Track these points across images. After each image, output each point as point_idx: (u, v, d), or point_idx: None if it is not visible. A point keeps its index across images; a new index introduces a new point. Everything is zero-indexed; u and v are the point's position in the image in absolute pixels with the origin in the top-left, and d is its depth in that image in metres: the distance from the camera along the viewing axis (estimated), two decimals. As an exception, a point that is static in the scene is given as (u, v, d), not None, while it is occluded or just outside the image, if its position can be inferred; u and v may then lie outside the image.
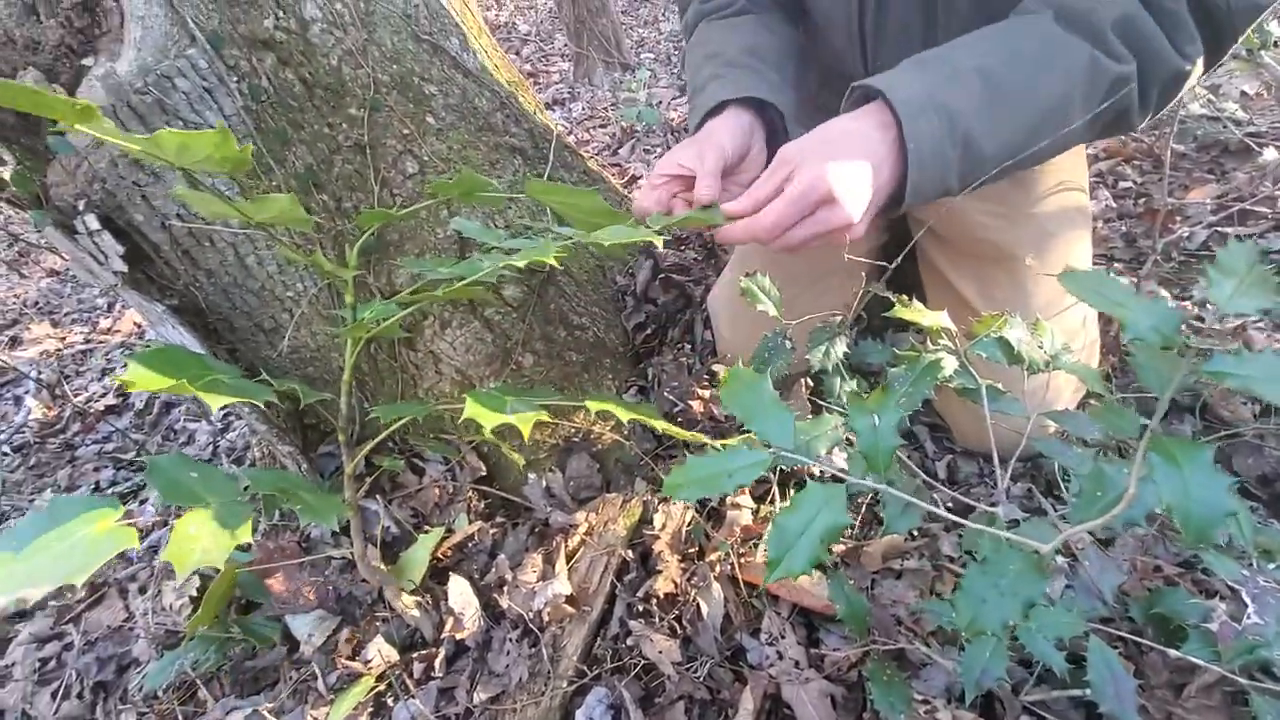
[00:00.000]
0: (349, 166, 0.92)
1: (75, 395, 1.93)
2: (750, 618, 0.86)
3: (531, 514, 1.05)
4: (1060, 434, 0.82)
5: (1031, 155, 0.64)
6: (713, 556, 0.90)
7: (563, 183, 1.11)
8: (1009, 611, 0.48)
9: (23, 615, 1.17)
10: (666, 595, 0.87)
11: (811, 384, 1.03)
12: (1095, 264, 1.18)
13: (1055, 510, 0.89)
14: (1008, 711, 0.69)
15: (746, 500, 0.96)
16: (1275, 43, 1.51)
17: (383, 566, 0.92)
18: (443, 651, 0.90)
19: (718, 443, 0.69)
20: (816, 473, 0.91)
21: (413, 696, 0.87)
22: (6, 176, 0.79)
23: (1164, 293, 1.20)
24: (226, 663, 0.97)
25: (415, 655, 0.91)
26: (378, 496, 1.03)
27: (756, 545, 0.91)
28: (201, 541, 0.54)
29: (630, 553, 0.93)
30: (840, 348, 0.81)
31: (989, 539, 0.51)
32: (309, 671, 0.93)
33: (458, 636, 0.90)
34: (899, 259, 0.80)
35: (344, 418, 0.80)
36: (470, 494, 1.06)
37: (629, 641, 0.85)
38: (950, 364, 0.67)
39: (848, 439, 0.68)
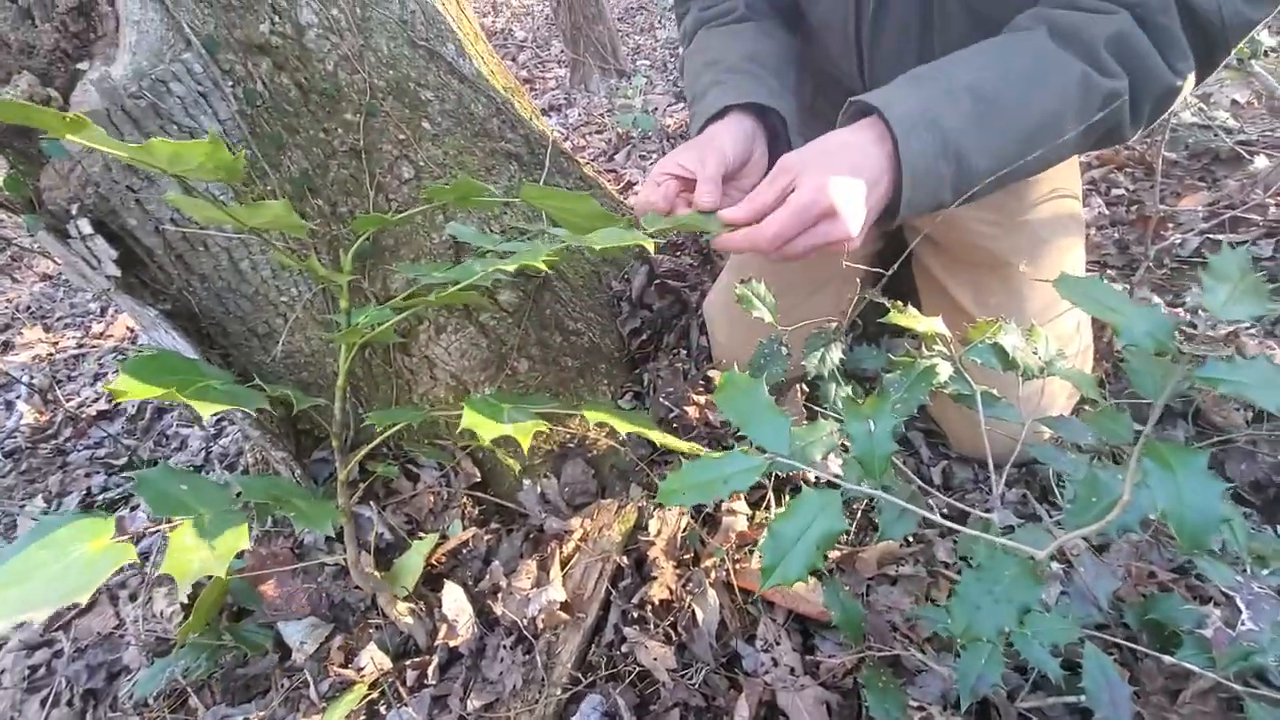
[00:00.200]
0: (344, 171, 0.92)
1: (67, 400, 1.92)
2: (745, 624, 0.86)
3: (526, 520, 1.04)
4: (1055, 440, 0.82)
5: (1025, 168, 0.65)
6: (708, 563, 0.90)
7: (558, 188, 1.11)
8: (1004, 618, 0.48)
9: (11, 622, 1.16)
10: (662, 602, 0.87)
11: (807, 390, 1.03)
12: (1088, 270, 1.19)
13: (1050, 516, 0.89)
14: (1003, 718, 0.69)
15: (742, 506, 0.96)
16: (1265, 52, 1.53)
17: (376, 573, 0.92)
18: (436, 659, 0.89)
19: (714, 454, 0.69)
20: (812, 479, 0.91)
21: (406, 704, 0.86)
22: (0, 181, 0.79)
23: (1156, 299, 1.21)
24: (218, 670, 0.96)
25: (408, 663, 0.90)
26: (372, 503, 1.03)
27: (752, 551, 0.91)
28: (200, 551, 0.54)
29: (625, 559, 0.93)
30: (836, 353, 0.81)
31: (984, 545, 0.51)
32: (301, 679, 0.92)
33: (451, 644, 0.89)
34: (895, 266, 0.80)
35: (338, 423, 0.80)
36: (465, 500, 1.05)
37: (624, 648, 0.85)
38: (945, 370, 0.67)
39: (843, 445, 0.68)
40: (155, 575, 1.12)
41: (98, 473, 1.59)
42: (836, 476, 0.57)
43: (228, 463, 1.47)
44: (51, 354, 2.25)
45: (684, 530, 0.94)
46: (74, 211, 0.79)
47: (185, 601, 1.04)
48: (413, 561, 0.96)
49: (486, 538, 1.02)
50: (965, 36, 0.70)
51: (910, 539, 0.91)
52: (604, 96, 3.52)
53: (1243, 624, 0.57)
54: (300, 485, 1.02)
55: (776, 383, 0.80)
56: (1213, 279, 0.47)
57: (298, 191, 0.90)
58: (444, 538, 1.01)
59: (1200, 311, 1.15)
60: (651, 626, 0.86)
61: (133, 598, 1.14)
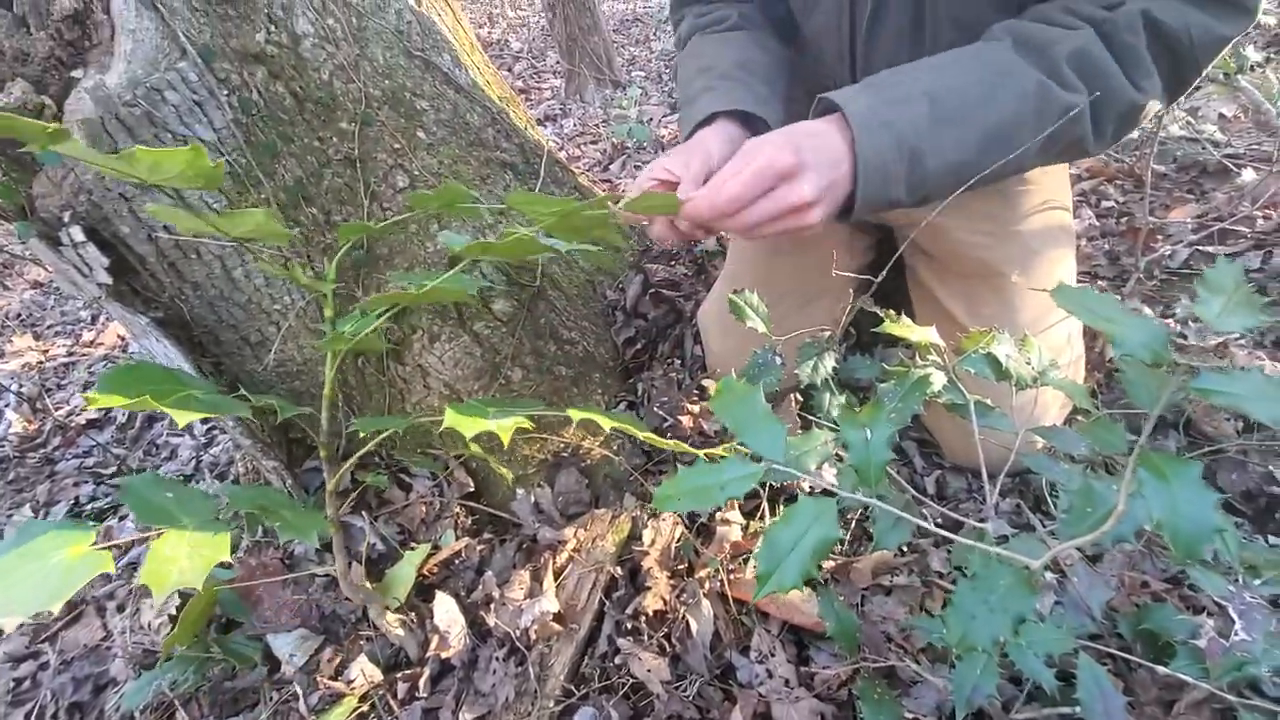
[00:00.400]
0: (339, 180, 0.92)
1: (56, 409, 1.90)
2: (740, 635, 0.86)
3: (519, 530, 1.04)
4: (1048, 449, 0.82)
5: (983, 172, 0.66)
6: (702, 573, 0.89)
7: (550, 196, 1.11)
8: (999, 628, 0.48)
9: (-4, 634, 1.14)
10: (655, 612, 0.86)
11: (801, 399, 1.03)
12: (1079, 281, 1.19)
13: (1044, 526, 0.89)
14: (998, 729, 0.68)
15: (736, 516, 0.95)
16: (1252, 67, 1.55)
17: (367, 584, 0.91)
18: (428, 671, 0.88)
19: (706, 451, 0.69)
20: (807, 488, 0.91)
21: (396, 717, 0.85)
22: (-9, 187, 0.78)
23: (1147, 310, 1.22)
24: (205, 683, 0.95)
25: (399, 675, 0.89)
26: (363, 513, 1.02)
27: (746, 561, 0.90)
28: (179, 562, 0.53)
29: (619, 569, 0.93)
30: (829, 363, 0.81)
31: (979, 555, 0.51)
32: (290, 692, 0.91)
33: (443, 655, 0.88)
34: (884, 271, 0.81)
35: (326, 433, 0.79)
36: (457, 510, 1.05)
37: (617, 660, 0.84)
38: (939, 379, 0.67)
39: (837, 454, 0.68)
40: (143, 586, 1.11)
41: (86, 482, 1.57)
42: (832, 486, 0.57)
43: (218, 472, 1.46)
44: (41, 362, 2.23)
45: (678, 540, 0.94)
46: (66, 219, 0.78)
47: (174, 613, 1.02)
48: (404, 572, 0.95)
49: (479, 548, 1.02)
50: (956, 48, 0.72)
51: (904, 549, 0.91)
52: (599, 107, 3.54)
53: (1236, 635, 0.57)
54: (291, 495, 1.02)
55: (770, 392, 0.80)
56: (1208, 291, 0.48)
57: (292, 200, 0.90)
58: (436, 548, 1.00)
59: (1191, 322, 1.16)
60: (645, 638, 0.85)
61: (120, 609, 1.12)
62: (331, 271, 0.77)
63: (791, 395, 1.04)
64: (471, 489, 1.06)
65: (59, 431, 1.78)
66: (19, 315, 2.68)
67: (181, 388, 0.64)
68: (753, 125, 0.82)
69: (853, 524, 0.94)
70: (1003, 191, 0.93)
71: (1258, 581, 0.61)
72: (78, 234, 0.78)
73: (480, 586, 0.96)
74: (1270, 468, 0.93)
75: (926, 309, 1.06)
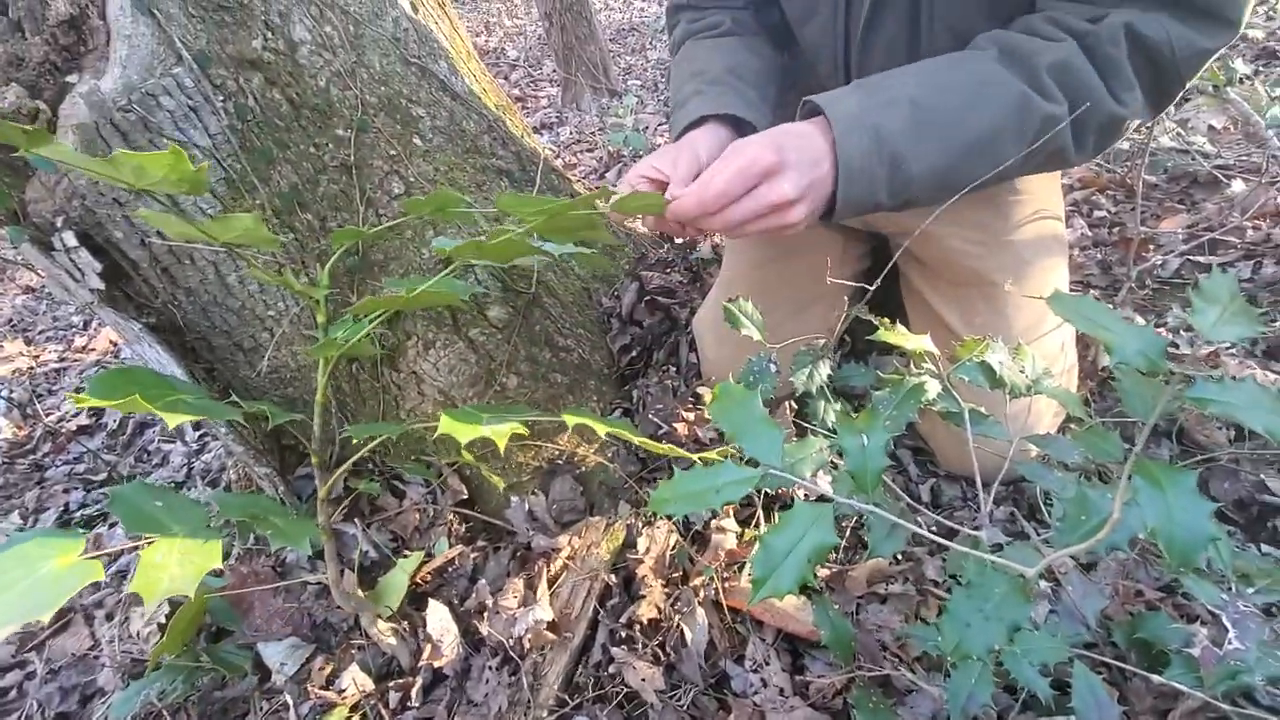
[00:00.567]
0: (334, 186, 0.92)
1: (47, 415, 1.88)
2: (735, 644, 0.85)
3: (513, 538, 1.03)
4: (1042, 458, 0.82)
5: (965, 179, 0.67)
6: (697, 581, 0.89)
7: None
8: (994, 636, 0.48)
9: (-18, 643, 1.13)
10: (650, 621, 0.86)
11: (795, 407, 1.03)
12: (1072, 290, 1.20)
13: (1038, 534, 0.89)
14: (994, 739, 0.68)
15: (731, 523, 0.95)
16: (1240, 79, 1.57)
17: (359, 592, 0.90)
18: (420, 680, 0.87)
19: (704, 455, 0.69)
20: (801, 496, 0.91)
21: (388, 727, 0.84)
22: (-17, 192, 0.78)
23: (1140, 319, 1.22)
24: (195, 693, 0.94)
25: (391, 684, 0.89)
26: (356, 520, 1.01)
27: (741, 570, 0.90)
28: (169, 570, 0.52)
29: (613, 577, 0.92)
30: (824, 370, 0.81)
31: (973, 563, 0.51)
32: (280, 702, 0.90)
33: (436, 665, 0.87)
34: (879, 280, 0.81)
35: (318, 439, 0.78)
36: (451, 517, 1.04)
37: (611, 669, 0.84)
38: (934, 387, 0.67)
39: (833, 461, 0.68)
40: (133, 594, 1.10)
41: (76, 489, 1.55)
42: (827, 493, 0.57)
43: (210, 479, 1.45)
44: (32, 368, 2.21)
45: (673, 548, 0.93)
46: (59, 224, 0.78)
47: (163, 622, 1.01)
48: (397, 580, 0.94)
49: (473, 556, 1.01)
50: None
51: (899, 557, 0.91)
52: (595, 115, 3.55)
53: (1229, 643, 0.57)
54: (283, 502, 1.01)
55: (766, 400, 0.80)
56: (1203, 301, 0.48)
57: (287, 206, 0.89)
58: (429, 556, 1.00)
59: (1183, 331, 1.17)
60: (640, 646, 0.84)
61: (109, 617, 1.11)
62: (324, 277, 0.77)
63: (786, 403, 1.04)
64: (465, 496, 1.05)
65: (49, 438, 1.76)
66: (10, 320, 2.66)
67: (173, 392, 0.64)
68: (742, 129, 0.83)
69: (848, 532, 0.94)
70: (995, 201, 0.94)
71: (1251, 590, 0.61)
72: (71, 239, 0.78)
73: (474, 595, 0.95)
74: (1262, 477, 0.93)
75: (920, 317, 1.07)
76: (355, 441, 0.77)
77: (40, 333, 2.51)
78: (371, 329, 0.76)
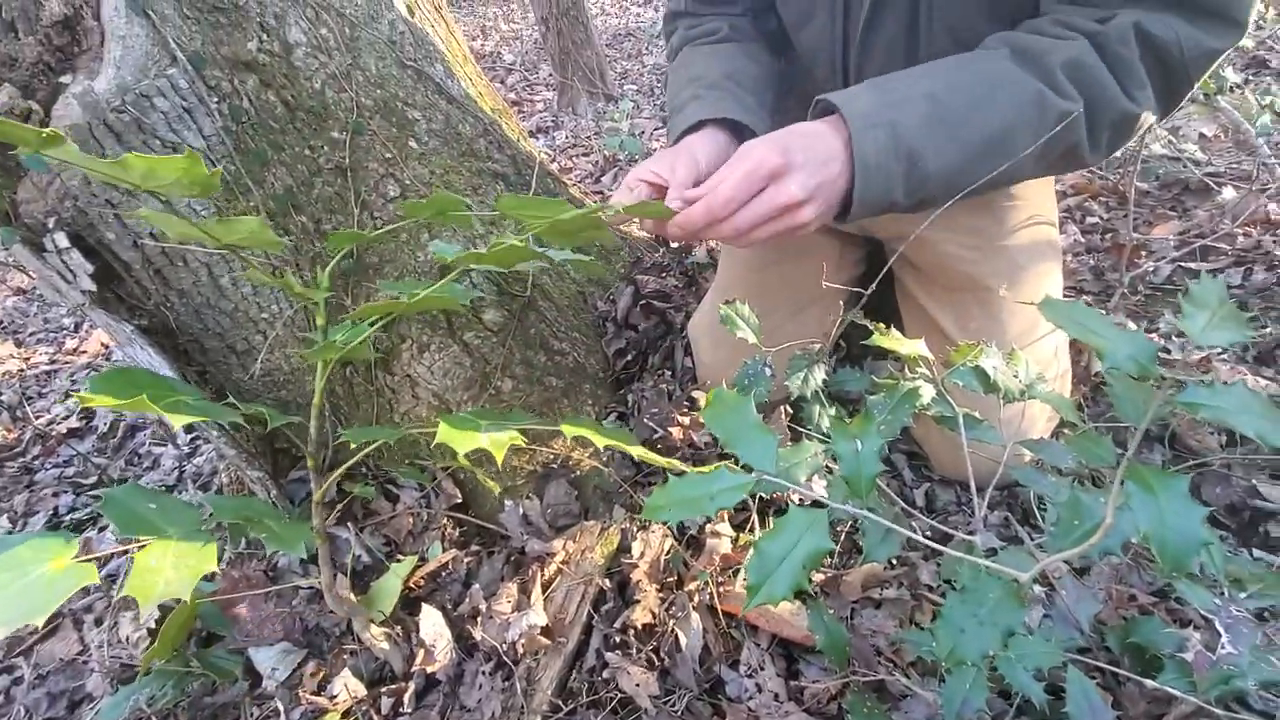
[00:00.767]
0: (329, 189, 0.92)
1: (37, 417, 1.87)
2: (729, 649, 0.85)
3: (507, 542, 1.03)
4: (1035, 462, 0.83)
5: (981, 179, 0.67)
6: (691, 586, 0.89)
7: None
8: (989, 641, 0.48)
9: (-32, 648, 1.12)
10: (644, 626, 0.85)
11: (791, 411, 1.03)
12: (1065, 296, 1.21)
13: (1032, 539, 0.89)
14: (988, 744, 0.68)
15: (726, 528, 0.95)
16: (1231, 88, 1.58)
17: (352, 597, 0.90)
18: (413, 686, 0.87)
19: (696, 470, 0.69)
20: (796, 501, 0.91)
21: (381, 733, 0.84)
22: (-26, 192, 0.77)
23: (1132, 325, 1.23)
24: (184, 699, 0.93)
25: (384, 690, 0.88)
26: (349, 524, 1.01)
27: (736, 574, 0.90)
28: (164, 573, 0.52)
29: (608, 582, 0.92)
30: (819, 375, 0.81)
31: (968, 567, 0.51)
32: (271, 708, 0.89)
33: (429, 670, 0.87)
34: (874, 284, 0.81)
35: (314, 443, 0.78)
36: (445, 521, 1.04)
37: (605, 674, 0.83)
38: (928, 392, 0.67)
39: (827, 466, 0.68)
40: (121, 598, 1.09)
41: (65, 492, 1.54)
42: (822, 497, 0.57)
43: (201, 482, 1.44)
44: (22, 370, 2.19)
45: (667, 553, 0.93)
46: (51, 225, 0.77)
47: (153, 626, 1.00)
48: (390, 584, 0.94)
49: (467, 560, 1.01)
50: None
51: (894, 562, 0.91)
52: (591, 120, 3.56)
53: (1222, 648, 0.57)
54: (275, 506, 1.00)
55: (760, 404, 0.80)
56: (1193, 306, 0.49)
57: (281, 208, 0.89)
58: (423, 560, 0.99)
59: (1175, 337, 1.18)
60: (634, 651, 0.84)
61: (98, 622, 1.10)
62: (325, 280, 0.77)
63: (782, 407, 1.04)
64: (459, 500, 1.05)
65: (39, 440, 1.75)
66: (1, 322, 2.64)
67: (172, 393, 0.63)
68: (740, 134, 0.83)
69: (843, 536, 0.94)
70: (989, 206, 0.94)
71: (1243, 595, 0.61)
72: (62, 240, 0.77)
73: (467, 599, 0.95)
74: (1254, 481, 0.94)
75: (915, 322, 1.07)
76: (351, 446, 0.76)
77: (31, 335, 2.49)
78: (373, 332, 0.76)
